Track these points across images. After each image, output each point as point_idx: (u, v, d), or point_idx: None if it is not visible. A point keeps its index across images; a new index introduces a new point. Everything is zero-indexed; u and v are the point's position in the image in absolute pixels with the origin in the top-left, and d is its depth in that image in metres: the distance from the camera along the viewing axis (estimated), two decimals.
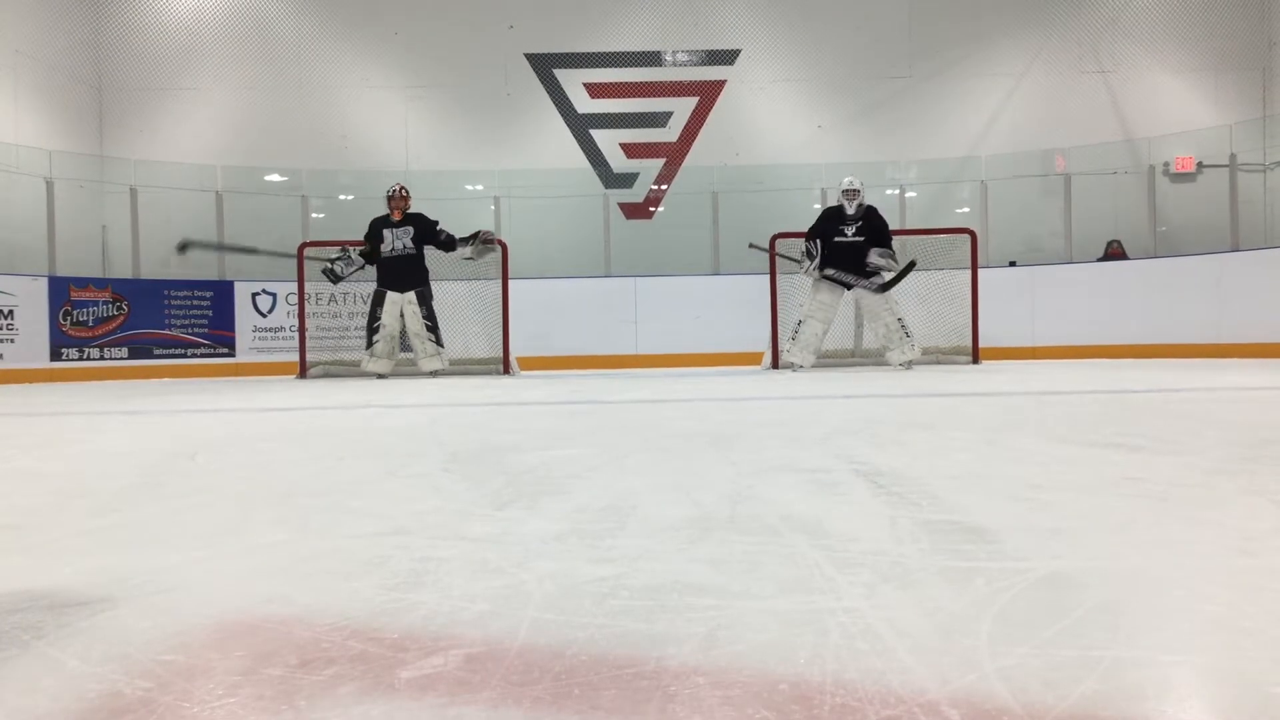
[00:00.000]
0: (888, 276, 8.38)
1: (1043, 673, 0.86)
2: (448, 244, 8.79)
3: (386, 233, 8.80)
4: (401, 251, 8.72)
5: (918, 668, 0.88)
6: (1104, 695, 0.81)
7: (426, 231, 8.78)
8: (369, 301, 8.95)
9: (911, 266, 8.47)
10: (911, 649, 0.93)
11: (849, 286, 8.53)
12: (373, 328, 8.76)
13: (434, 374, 8.69)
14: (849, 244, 8.44)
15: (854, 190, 8.52)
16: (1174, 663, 0.91)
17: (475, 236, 8.74)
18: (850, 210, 8.51)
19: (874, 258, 8.33)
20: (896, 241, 8.70)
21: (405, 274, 8.68)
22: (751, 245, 9.11)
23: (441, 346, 8.81)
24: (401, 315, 8.74)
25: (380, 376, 8.63)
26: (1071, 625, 0.99)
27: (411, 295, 8.68)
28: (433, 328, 8.75)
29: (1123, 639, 0.96)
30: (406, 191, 8.93)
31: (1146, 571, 1.25)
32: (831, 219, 8.59)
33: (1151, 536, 1.46)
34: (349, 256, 8.85)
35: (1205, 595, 1.13)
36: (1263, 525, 1.52)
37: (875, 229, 8.46)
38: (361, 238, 8.92)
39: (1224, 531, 1.46)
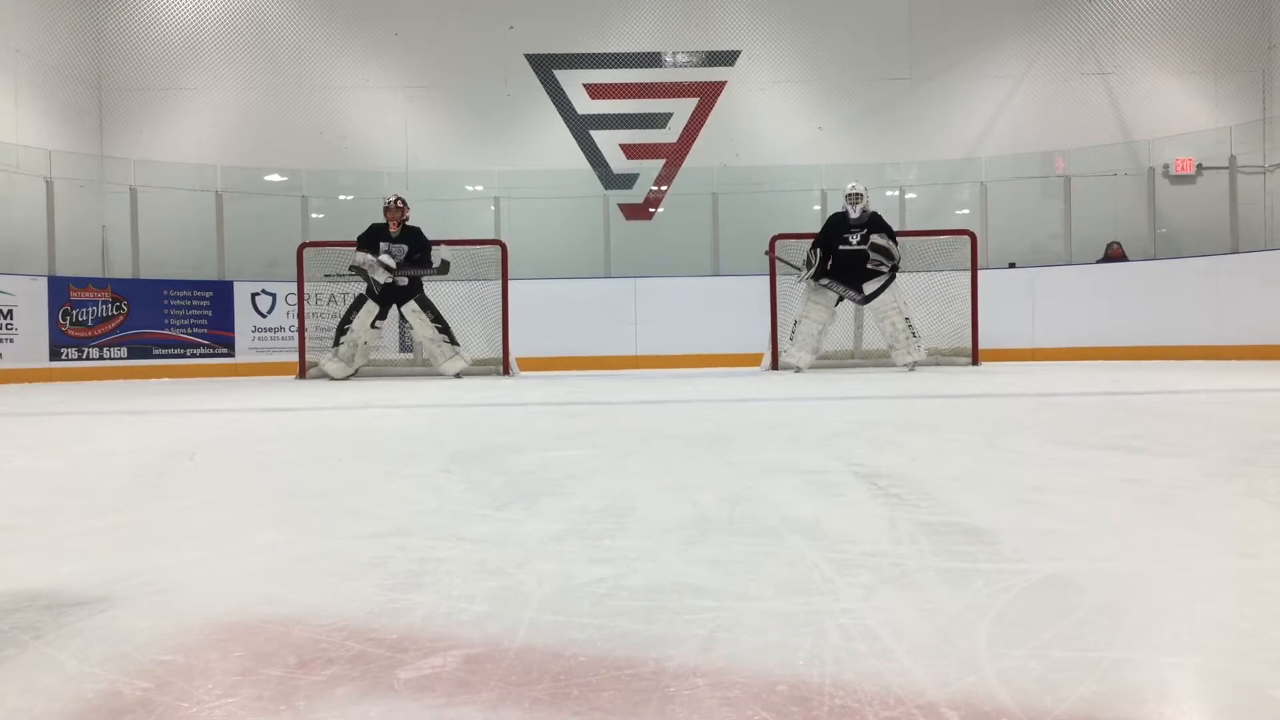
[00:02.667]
0: (883, 271, 8.35)
1: (1042, 674, 0.86)
2: (441, 269, 8.58)
3: (382, 246, 8.58)
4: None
5: (916, 669, 0.88)
6: (1103, 697, 0.81)
7: (422, 249, 8.58)
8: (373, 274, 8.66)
9: (894, 272, 8.43)
10: (910, 650, 0.93)
11: (840, 298, 8.56)
12: (342, 329, 8.60)
13: (459, 375, 8.53)
14: (853, 252, 8.43)
15: (857, 194, 8.47)
16: (1173, 664, 0.91)
17: (445, 267, 8.58)
18: (854, 215, 8.47)
19: (875, 239, 8.29)
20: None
21: (398, 291, 8.55)
22: (780, 259, 9.05)
23: (458, 345, 8.69)
24: (405, 321, 8.65)
25: (332, 379, 8.38)
26: (1070, 627, 0.99)
27: (412, 304, 8.55)
28: (444, 329, 8.62)
29: (1122, 641, 0.96)
30: (404, 203, 8.72)
31: (1145, 573, 1.25)
32: (836, 226, 8.56)
33: (1151, 538, 1.46)
34: (367, 266, 8.56)
35: (1204, 597, 1.13)
36: (1262, 527, 1.52)
37: (881, 233, 8.43)
38: (356, 239, 8.71)
39: (1223, 534, 1.46)
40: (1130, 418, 3.54)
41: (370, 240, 8.67)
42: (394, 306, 8.64)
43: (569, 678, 0.87)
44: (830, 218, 8.75)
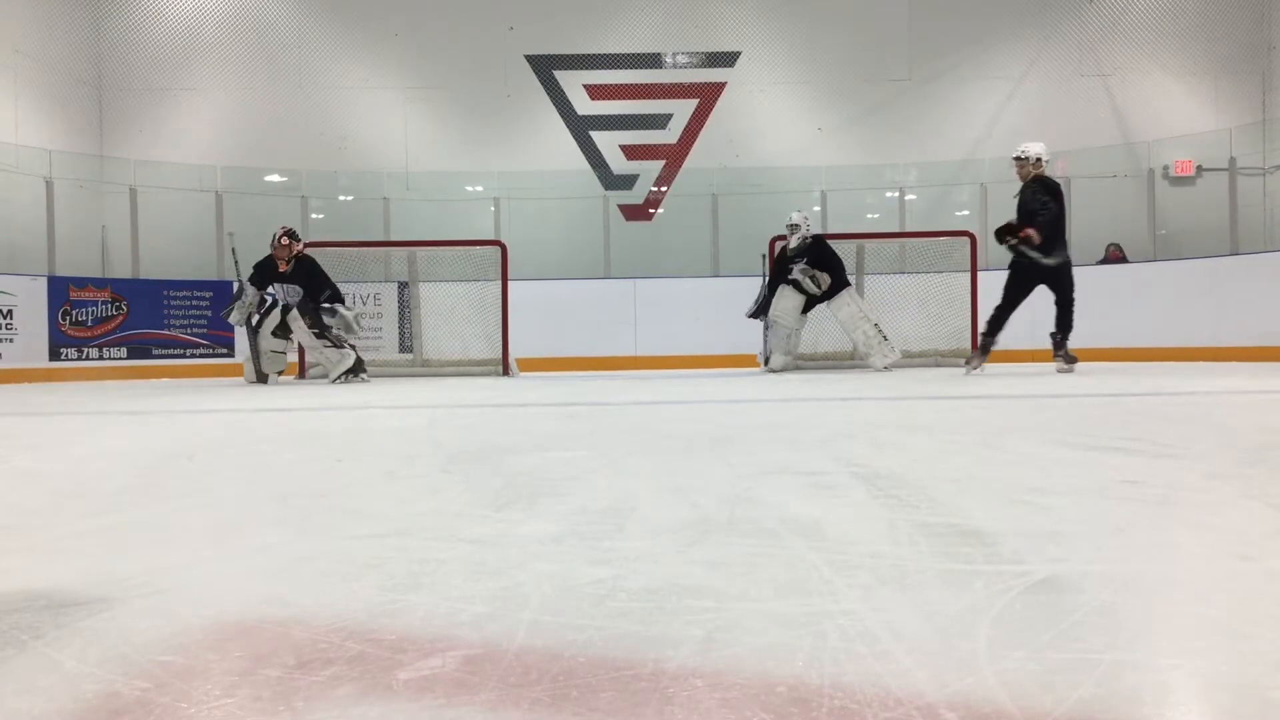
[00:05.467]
0: (813, 288, 8.61)
1: (1041, 676, 0.86)
2: (327, 306, 8.00)
3: (276, 287, 8.14)
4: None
5: (916, 670, 0.88)
6: (1102, 699, 0.81)
7: (315, 289, 8.07)
8: (253, 310, 8.12)
9: (839, 288, 8.68)
10: (909, 652, 0.93)
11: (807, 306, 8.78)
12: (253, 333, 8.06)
13: (345, 377, 7.93)
14: (797, 281, 8.70)
15: (794, 225, 8.71)
16: (1172, 666, 0.91)
17: (340, 321, 8.00)
18: (793, 244, 8.68)
19: (796, 273, 8.59)
20: (894, 244, 8.83)
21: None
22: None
23: (342, 346, 8.04)
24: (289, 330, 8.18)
25: (247, 382, 8.04)
26: (1069, 629, 0.99)
27: (294, 313, 8.04)
28: (322, 333, 8.01)
29: (1121, 643, 0.96)
30: (290, 237, 8.08)
31: (1144, 575, 1.25)
32: (782, 259, 8.83)
33: (1149, 540, 1.46)
34: (244, 298, 8.08)
35: (1203, 599, 1.13)
36: (1261, 529, 1.52)
37: (820, 261, 8.66)
38: (254, 267, 8.15)
39: (1222, 535, 1.46)
40: (1129, 419, 3.54)
41: (262, 278, 8.15)
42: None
43: (568, 679, 0.87)
44: (778, 253, 8.98)
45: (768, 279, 8.96)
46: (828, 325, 9.11)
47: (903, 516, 1.62)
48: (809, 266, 8.58)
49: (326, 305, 8.03)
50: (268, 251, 8.15)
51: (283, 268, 8.07)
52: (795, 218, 8.72)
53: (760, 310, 8.72)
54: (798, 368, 8.93)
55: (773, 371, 8.55)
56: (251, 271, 8.18)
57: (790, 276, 8.64)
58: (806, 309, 8.77)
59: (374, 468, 2.49)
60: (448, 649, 0.96)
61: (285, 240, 8.05)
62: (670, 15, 13.17)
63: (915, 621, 1.03)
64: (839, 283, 8.63)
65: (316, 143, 12.88)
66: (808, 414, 4.04)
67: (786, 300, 8.70)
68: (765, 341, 8.82)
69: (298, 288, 8.07)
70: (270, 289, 8.20)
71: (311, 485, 2.19)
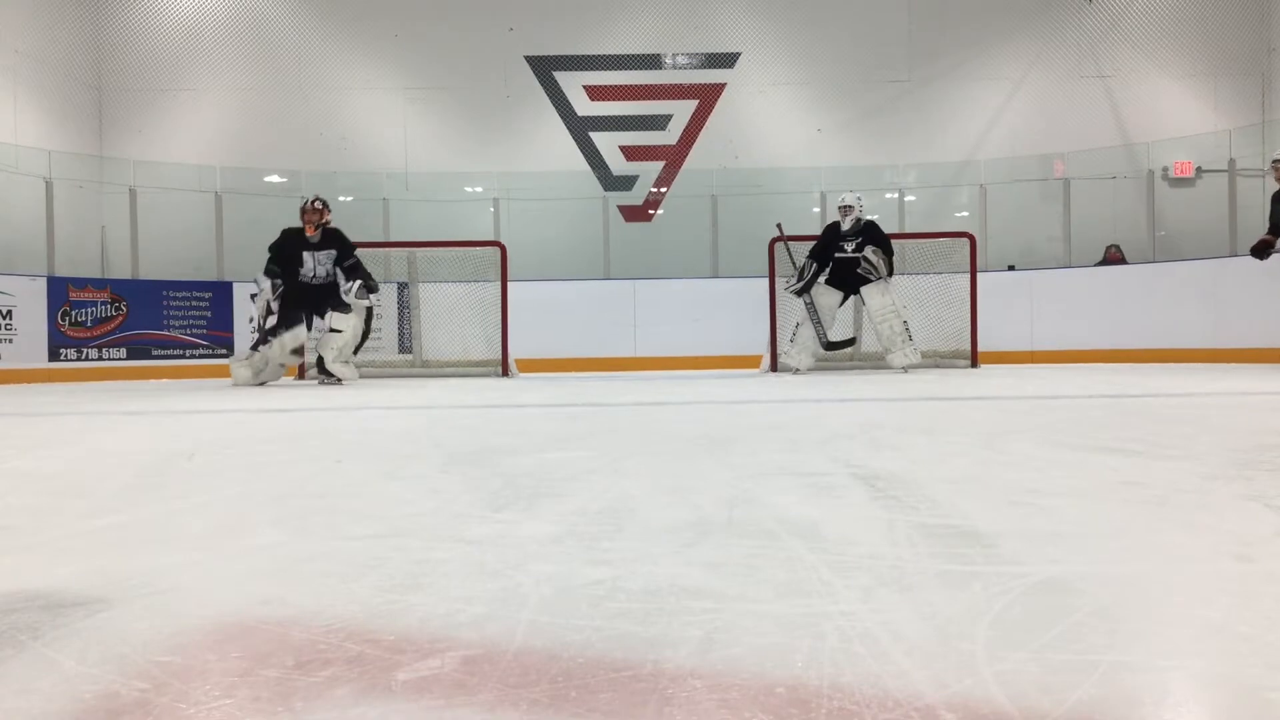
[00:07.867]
0: (874, 277, 8.45)
1: (1040, 677, 0.86)
2: (351, 270, 7.88)
3: (306, 256, 7.85)
4: (324, 279, 7.89)
5: (915, 672, 0.88)
6: (1101, 700, 0.81)
7: (344, 255, 7.93)
8: (271, 300, 7.74)
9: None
10: (908, 653, 0.93)
11: (842, 303, 8.66)
12: (265, 337, 7.72)
13: (324, 378, 7.82)
14: (848, 259, 8.56)
15: (848, 206, 8.60)
16: (1171, 668, 0.91)
17: (366, 287, 7.94)
18: (846, 226, 8.59)
19: (868, 253, 8.44)
20: (894, 245, 8.78)
21: (323, 301, 7.81)
22: (789, 244, 9.10)
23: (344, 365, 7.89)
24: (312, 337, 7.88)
25: (234, 384, 7.67)
26: (1068, 630, 0.99)
27: (332, 316, 7.75)
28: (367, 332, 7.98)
29: (1120, 644, 0.96)
30: (324, 203, 7.92)
31: (1143, 576, 1.25)
32: (832, 235, 8.70)
33: (1148, 541, 1.46)
34: (262, 291, 7.78)
35: (1202, 600, 1.13)
36: (1260, 530, 1.52)
37: (875, 241, 8.54)
38: (270, 248, 7.95)
39: (1221, 537, 1.47)
40: (1128, 420, 3.54)
41: (292, 247, 7.88)
42: (312, 316, 7.86)
43: (567, 679, 0.87)
44: (826, 228, 8.86)
45: (810, 253, 8.68)
46: (841, 316, 9.00)
47: (902, 518, 1.62)
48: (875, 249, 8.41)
49: (361, 283, 7.87)
50: (275, 240, 7.98)
51: (310, 233, 7.85)
52: (849, 199, 8.59)
53: (805, 287, 8.54)
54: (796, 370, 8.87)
55: (796, 373, 8.47)
56: (269, 261, 7.92)
57: (862, 253, 8.40)
58: (840, 303, 8.71)
59: (373, 468, 2.49)
60: (446, 650, 0.96)
61: (318, 204, 7.88)
62: (670, 16, 13.16)
63: (914, 622, 1.03)
64: (891, 267, 8.53)
65: (316, 143, 12.87)
66: (807, 415, 4.04)
67: (824, 298, 8.65)
68: (792, 340, 8.71)
69: (332, 252, 7.88)
70: (300, 271, 7.87)
71: (311, 485, 2.19)
